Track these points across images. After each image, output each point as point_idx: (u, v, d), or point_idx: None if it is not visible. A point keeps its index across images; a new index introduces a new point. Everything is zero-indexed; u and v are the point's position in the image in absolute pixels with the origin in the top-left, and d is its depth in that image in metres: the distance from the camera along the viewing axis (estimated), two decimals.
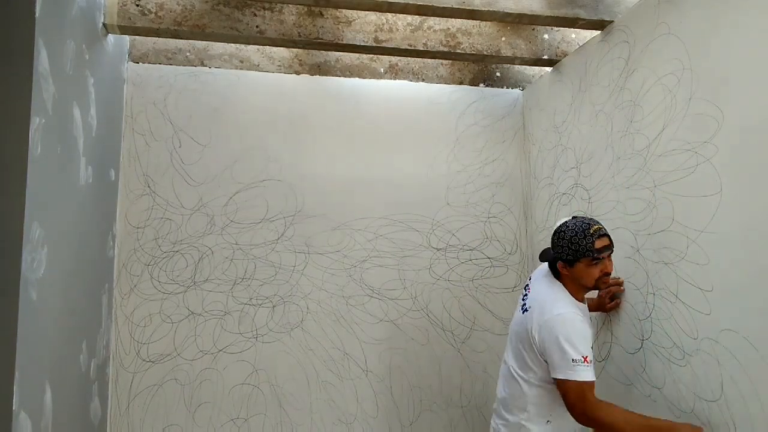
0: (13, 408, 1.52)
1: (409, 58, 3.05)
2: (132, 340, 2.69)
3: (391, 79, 3.07)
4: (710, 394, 1.73)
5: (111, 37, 2.52)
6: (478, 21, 2.66)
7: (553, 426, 1.92)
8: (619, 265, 2.20)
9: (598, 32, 2.48)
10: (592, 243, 1.82)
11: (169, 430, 2.68)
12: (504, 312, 3.03)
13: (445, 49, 2.69)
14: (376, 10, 2.31)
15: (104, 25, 2.41)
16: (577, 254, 1.83)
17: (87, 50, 2.15)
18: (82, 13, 2.11)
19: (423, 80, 3.10)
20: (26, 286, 1.58)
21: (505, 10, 2.32)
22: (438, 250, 3.02)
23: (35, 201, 1.63)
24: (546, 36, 2.79)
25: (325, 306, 2.88)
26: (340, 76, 3.02)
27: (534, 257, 3.03)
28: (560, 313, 1.82)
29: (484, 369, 3.00)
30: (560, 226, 1.92)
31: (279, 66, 2.97)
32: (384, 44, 2.64)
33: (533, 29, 2.78)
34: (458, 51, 2.70)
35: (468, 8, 2.28)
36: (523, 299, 2.03)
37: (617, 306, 2.20)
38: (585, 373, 1.74)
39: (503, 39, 2.76)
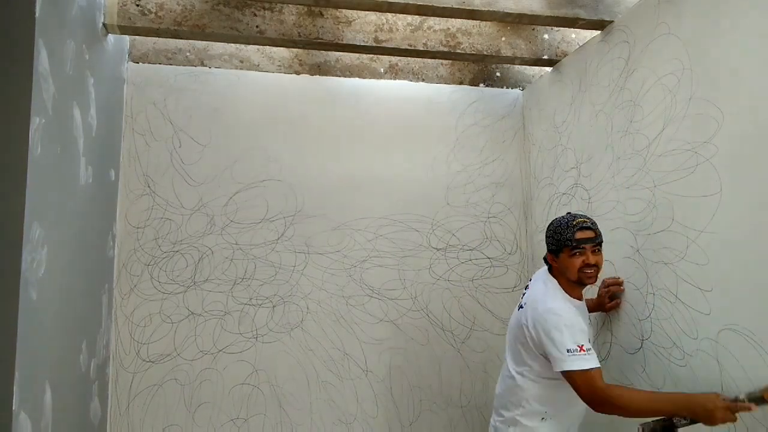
0: (13, 408, 1.52)
1: (409, 58, 3.05)
2: (132, 340, 2.69)
3: (391, 79, 3.07)
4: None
5: (111, 37, 2.52)
6: (478, 21, 2.66)
7: (549, 423, 1.92)
8: (619, 265, 2.21)
9: (598, 32, 2.48)
10: (573, 234, 1.88)
11: (169, 430, 2.68)
12: (504, 312, 3.03)
13: (445, 49, 2.69)
14: (376, 10, 2.31)
15: (104, 25, 2.41)
16: (559, 244, 1.91)
17: (87, 50, 2.15)
18: (82, 13, 2.11)
19: (423, 80, 3.10)
20: (26, 286, 1.58)
21: (505, 10, 2.32)
22: (438, 250, 3.02)
23: (35, 201, 1.63)
24: (546, 36, 2.79)
25: (325, 306, 2.88)
26: (340, 76, 3.02)
27: (534, 257, 3.03)
28: (551, 307, 1.85)
29: (484, 369, 3.00)
30: (552, 220, 2.02)
31: (279, 66, 2.97)
32: (384, 44, 2.64)
33: (533, 29, 2.78)
34: (458, 51, 2.70)
35: (468, 8, 2.28)
36: (521, 297, 2.07)
37: (617, 306, 2.20)
38: (583, 362, 1.74)
39: (503, 39, 2.76)
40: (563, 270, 1.93)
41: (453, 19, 2.62)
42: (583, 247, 1.88)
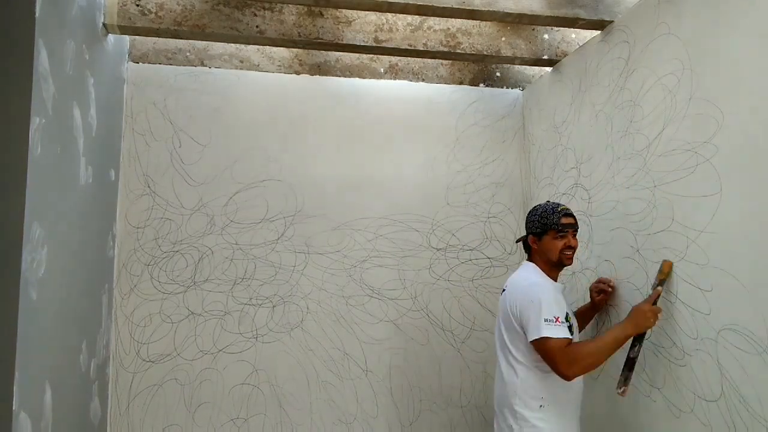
0: (13, 408, 1.52)
1: (409, 58, 3.05)
2: (132, 340, 2.69)
3: (391, 79, 3.07)
4: (710, 394, 1.73)
5: (111, 37, 2.52)
6: (478, 21, 2.66)
7: (546, 411, 1.93)
8: (619, 265, 2.21)
9: (598, 32, 2.48)
10: (559, 218, 2.04)
11: (169, 430, 2.68)
12: None
13: (445, 49, 2.69)
14: (376, 10, 2.31)
15: (104, 25, 2.42)
16: (545, 227, 2.04)
17: (87, 50, 2.16)
18: (82, 13, 2.11)
19: (423, 80, 3.10)
20: (26, 286, 1.58)
21: (505, 10, 2.32)
22: (438, 250, 3.02)
23: (35, 201, 1.63)
24: (546, 36, 2.79)
25: (325, 306, 2.88)
26: (340, 76, 3.02)
27: None
28: (534, 281, 2.00)
29: (484, 369, 3.00)
30: (532, 207, 2.16)
31: (279, 66, 2.97)
32: (384, 44, 2.64)
33: (533, 29, 2.78)
34: (458, 51, 2.70)
35: (468, 8, 2.28)
36: (503, 287, 2.15)
37: (604, 300, 2.24)
38: (558, 330, 1.86)
39: (503, 39, 2.76)
40: (545, 251, 2.05)
41: (453, 19, 2.62)
42: (566, 232, 2.04)
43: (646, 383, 2.02)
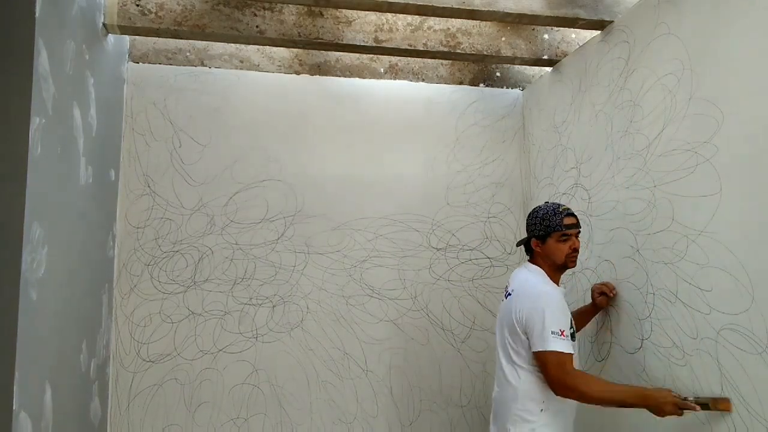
0: (13, 408, 1.52)
1: (409, 58, 3.05)
2: (132, 340, 2.69)
3: (391, 79, 3.07)
4: (710, 394, 1.73)
5: (111, 37, 2.52)
6: (478, 21, 2.66)
7: (547, 415, 1.91)
8: (619, 265, 2.21)
9: (598, 32, 2.48)
10: (561, 219, 1.99)
11: (169, 430, 2.68)
12: None
13: (445, 49, 2.69)
14: (376, 10, 2.31)
15: (104, 25, 2.42)
16: (548, 229, 1.99)
17: (87, 50, 2.16)
18: (82, 13, 2.11)
19: (423, 80, 3.10)
20: (26, 286, 1.58)
21: (505, 10, 2.32)
22: (438, 250, 3.02)
23: (35, 201, 1.63)
24: (546, 36, 2.79)
25: (325, 306, 2.88)
26: (340, 76, 3.02)
27: None
28: (545, 290, 1.95)
29: (484, 369, 3.00)
30: (534, 208, 2.09)
31: (279, 66, 2.97)
32: (384, 44, 2.64)
33: (533, 29, 2.78)
34: (458, 51, 2.70)
35: (468, 8, 2.28)
36: (505, 290, 2.11)
37: (605, 301, 2.22)
38: (562, 345, 1.83)
39: (503, 39, 2.76)
40: (549, 254, 2.01)
41: (453, 19, 2.62)
42: (570, 234, 1.99)
43: (646, 383, 2.02)
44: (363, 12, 2.61)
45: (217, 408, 2.73)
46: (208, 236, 2.80)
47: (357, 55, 3.03)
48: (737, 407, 1.63)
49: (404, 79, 3.08)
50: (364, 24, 2.63)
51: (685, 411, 1.73)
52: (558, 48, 2.79)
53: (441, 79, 3.13)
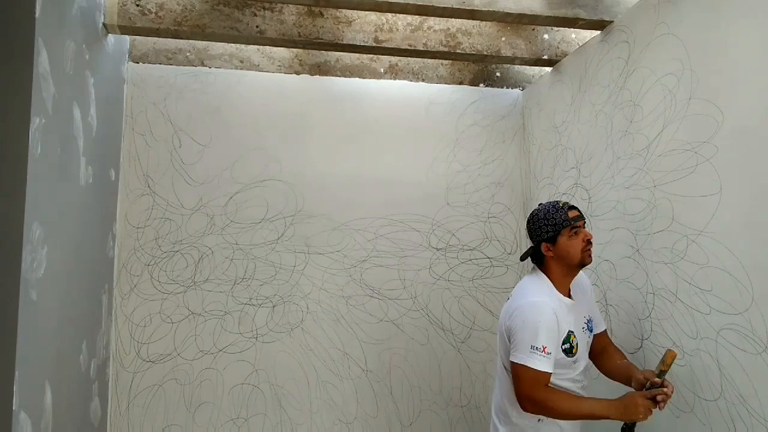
0: (13, 408, 1.52)
1: (409, 58, 3.05)
2: (132, 340, 2.69)
3: (391, 79, 3.07)
4: (710, 394, 1.73)
5: (111, 37, 2.52)
6: (478, 21, 2.66)
7: (545, 425, 1.82)
8: (619, 265, 2.21)
9: (598, 32, 2.48)
10: (566, 214, 1.86)
11: (169, 430, 2.68)
12: None
13: (445, 49, 2.69)
14: (376, 10, 2.31)
15: (104, 25, 2.42)
16: (556, 227, 1.85)
17: (87, 50, 2.15)
18: (82, 13, 2.11)
19: (423, 80, 3.10)
20: (26, 286, 1.58)
21: (505, 10, 2.32)
22: (438, 250, 3.02)
23: (35, 201, 1.63)
24: (546, 36, 2.79)
25: (325, 306, 2.88)
26: (340, 76, 3.02)
27: None
28: (534, 301, 1.80)
29: (484, 369, 3.00)
30: (531, 214, 1.96)
31: (279, 66, 2.97)
32: (384, 44, 2.64)
33: (533, 29, 2.78)
34: (458, 51, 2.70)
35: (468, 8, 2.28)
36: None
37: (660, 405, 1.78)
38: (541, 363, 1.72)
39: (503, 39, 2.76)
40: (563, 255, 1.86)
41: (453, 19, 2.62)
42: (579, 225, 1.86)
43: None
44: (363, 12, 2.61)
45: (217, 408, 2.73)
46: (208, 236, 2.80)
47: (357, 55, 3.03)
48: (737, 407, 1.63)
49: (404, 79, 3.08)
50: (364, 24, 2.63)
51: (659, 400, 1.68)
52: (558, 48, 2.79)
53: (441, 79, 3.13)
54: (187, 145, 2.82)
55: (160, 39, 2.79)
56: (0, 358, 1.52)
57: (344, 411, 2.85)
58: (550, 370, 1.74)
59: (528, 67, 3.18)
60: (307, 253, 2.89)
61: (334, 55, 3.01)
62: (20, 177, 1.57)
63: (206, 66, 2.90)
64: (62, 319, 1.93)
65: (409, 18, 2.65)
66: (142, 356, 2.69)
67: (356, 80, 3.03)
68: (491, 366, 3.00)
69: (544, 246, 1.89)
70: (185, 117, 2.83)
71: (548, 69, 2.95)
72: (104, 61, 2.41)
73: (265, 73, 2.94)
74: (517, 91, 3.23)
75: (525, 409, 1.76)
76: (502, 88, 3.22)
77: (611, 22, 2.37)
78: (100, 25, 2.38)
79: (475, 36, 2.73)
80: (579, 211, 1.90)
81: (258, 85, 2.92)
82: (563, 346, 1.80)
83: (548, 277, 1.90)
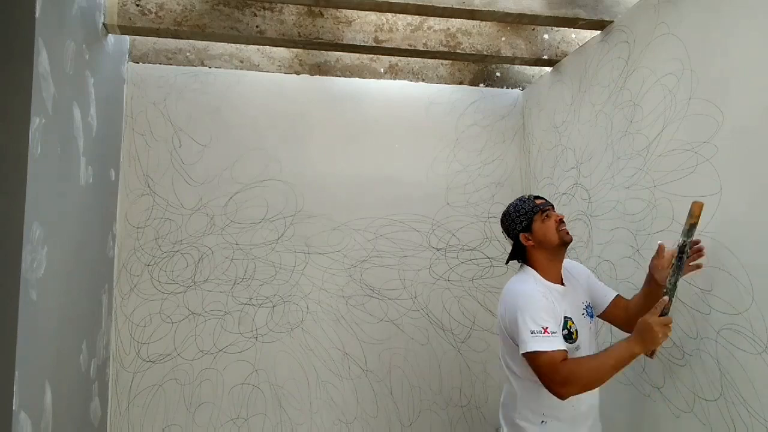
0: (13, 408, 1.52)
1: (409, 58, 3.05)
2: (132, 340, 2.69)
3: (391, 79, 3.07)
4: (710, 394, 1.73)
5: (111, 37, 2.52)
6: (478, 21, 2.66)
7: (549, 427, 1.79)
8: (619, 265, 2.21)
9: (598, 32, 2.48)
10: (533, 202, 1.92)
11: (169, 430, 2.68)
12: None
13: (445, 49, 2.69)
14: (376, 10, 2.31)
15: (104, 25, 2.42)
16: (528, 215, 1.90)
17: (87, 50, 2.15)
18: (82, 13, 2.11)
19: (423, 80, 3.10)
20: (26, 286, 1.58)
21: (505, 10, 2.32)
22: (438, 250, 3.02)
23: (35, 201, 1.63)
24: (546, 36, 2.79)
25: (325, 306, 2.88)
26: (340, 76, 3.02)
27: None
28: (517, 288, 1.82)
29: (484, 369, 3.00)
30: (502, 214, 2.00)
31: (279, 66, 2.97)
32: (384, 44, 2.64)
33: (533, 29, 2.78)
34: (458, 51, 2.70)
35: (468, 8, 2.28)
36: None
37: (662, 266, 1.82)
38: (547, 343, 1.67)
39: (503, 39, 2.76)
40: (542, 239, 1.87)
41: (453, 19, 2.62)
42: (548, 209, 1.91)
43: (646, 383, 2.02)
44: (363, 12, 2.61)
45: (217, 408, 2.73)
46: (208, 236, 2.80)
47: (357, 55, 3.03)
48: (737, 407, 1.63)
49: (404, 79, 3.08)
50: (364, 24, 2.63)
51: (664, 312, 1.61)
52: (558, 48, 2.79)
53: (441, 79, 3.13)
54: (187, 145, 2.82)
55: (160, 39, 2.79)
56: (0, 358, 1.52)
57: (344, 411, 2.85)
58: (561, 347, 1.68)
59: (528, 67, 3.18)
60: (307, 253, 2.89)
61: (334, 55, 3.01)
62: (20, 177, 1.57)
63: (206, 66, 2.90)
64: (62, 319, 1.93)
65: (409, 18, 2.65)
66: (142, 356, 2.69)
67: (356, 80, 3.03)
68: (491, 366, 3.00)
69: (522, 237, 1.91)
70: (185, 117, 2.83)
71: (548, 69, 2.95)
72: (104, 61, 2.41)
73: (265, 73, 2.94)
74: (517, 91, 3.23)
75: (561, 395, 1.65)
76: (502, 88, 3.22)
77: (611, 22, 2.37)
78: (100, 25, 2.38)
79: (475, 36, 2.73)
80: (544, 198, 1.96)
81: (258, 85, 2.92)
82: (562, 332, 1.77)
83: (534, 268, 1.90)
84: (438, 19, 2.68)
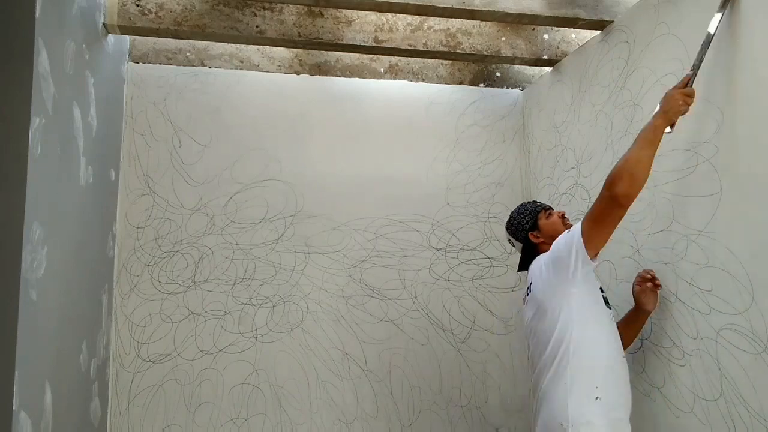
0: (13, 408, 1.52)
1: (409, 58, 3.05)
2: (132, 340, 2.69)
3: (391, 79, 3.07)
4: (710, 394, 1.73)
5: (111, 37, 2.52)
6: (478, 21, 2.66)
7: (603, 404, 1.67)
8: (619, 265, 2.21)
9: (598, 32, 2.48)
10: (534, 204, 2.10)
11: (169, 430, 2.68)
12: (504, 312, 3.03)
13: (445, 49, 2.69)
14: (376, 10, 2.31)
15: (104, 25, 2.42)
16: (533, 214, 2.05)
17: (87, 50, 2.16)
18: (82, 13, 2.11)
19: (423, 80, 3.10)
20: (26, 286, 1.58)
21: (505, 10, 2.32)
22: (438, 250, 3.02)
23: (35, 201, 1.63)
24: (546, 36, 2.79)
25: (325, 306, 2.88)
26: (340, 76, 3.02)
27: None
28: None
29: (484, 369, 3.00)
30: (507, 222, 2.14)
31: (279, 66, 2.97)
32: (384, 44, 2.64)
33: (533, 29, 2.78)
34: (458, 51, 2.70)
35: (468, 8, 2.28)
36: (525, 296, 1.97)
37: (651, 296, 1.93)
38: (578, 223, 1.75)
39: (503, 39, 2.76)
40: (551, 232, 1.97)
41: (453, 19, 2.62)
42: (550, 207, 2.09)
43: (646, 383, 2.02)
44: (363, 12, 2.61)
45: (217, 408, 2.72)
46: (208, 236, 2.80)
47: (357, 55, 3.03)
48: (737, 407, 1.63)
49: (404, 79, 3.08)
50: (364, 24, 2.63)
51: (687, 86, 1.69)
52: (558, 48, 2.79)
53: (441, 79, 3.13)
54: (187, 145, 2.82)
55: (160, 39, 2.79)
56: (0, 358, 1.52)
57: (344, 411, 2.85)
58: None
59: (528, 67, 3.18)
60: (307, 253, 2.89)
61: (334, 55, 3.01)
62: (20, 177, 1.57)
63: (206, 66, 2.90)
64: (62, 319, 1.93)
65: (409, 18, 2.65)
66: (142, 356, 2.69)
67: (356, 80, 3.03)
68: (491, 366, 3.00)
69: (531, 236, 2.04)
70: (185, 117, 2.83)
71: (548, 69, 2.95)
72: (104, 61, 2.41)
73: (265, 73, 2.94)
74: (517, 91, 3.23)
75: (617, 196, 1.64)
76: (502, 88, 3.22)
77: (611, 22, 2.37)
78: (100, 25, 2.38)
79: (475, 36, 2.73)
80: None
81: (258, 85, 2.92)
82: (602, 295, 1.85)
83: None
84: (438, 19, 2.68)
